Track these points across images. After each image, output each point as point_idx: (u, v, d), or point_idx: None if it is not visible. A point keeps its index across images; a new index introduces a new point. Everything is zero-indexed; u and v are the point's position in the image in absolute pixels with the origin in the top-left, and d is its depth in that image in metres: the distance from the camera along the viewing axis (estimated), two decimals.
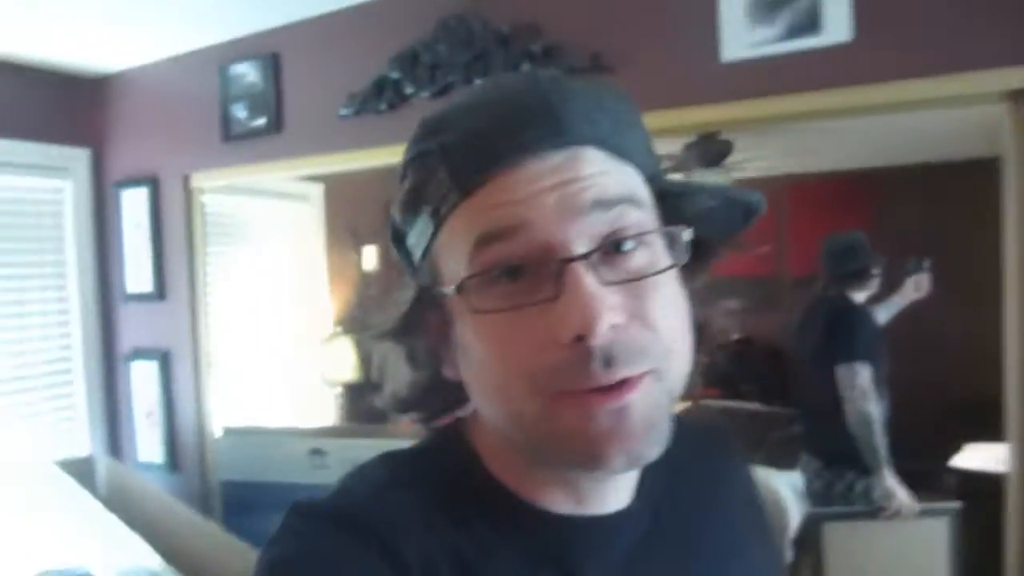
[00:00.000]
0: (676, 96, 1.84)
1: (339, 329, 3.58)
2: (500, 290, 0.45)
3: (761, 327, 5.91)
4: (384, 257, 3.89)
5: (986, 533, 1.80)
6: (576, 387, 0.44)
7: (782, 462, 3.72)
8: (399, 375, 0.55)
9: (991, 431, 1.86)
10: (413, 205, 0.49)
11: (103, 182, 2.78)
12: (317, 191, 3.50)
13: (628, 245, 0.45)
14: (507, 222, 0.44)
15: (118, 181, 2.74)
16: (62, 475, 2.37)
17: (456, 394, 0.52)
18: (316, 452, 2.56)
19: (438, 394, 0.54)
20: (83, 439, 2.76)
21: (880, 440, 2.41)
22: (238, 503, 2.62)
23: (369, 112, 2.25)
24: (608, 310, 0.43)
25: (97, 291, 2.78)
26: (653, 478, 0.56)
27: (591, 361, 0.43)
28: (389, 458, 0.54)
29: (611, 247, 0.45)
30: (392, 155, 2.27)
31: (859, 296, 2.61)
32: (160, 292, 2.67)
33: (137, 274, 2.70)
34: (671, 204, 0.50)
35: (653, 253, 0.47)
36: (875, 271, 2.62)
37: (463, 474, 0.52)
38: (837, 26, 1.66)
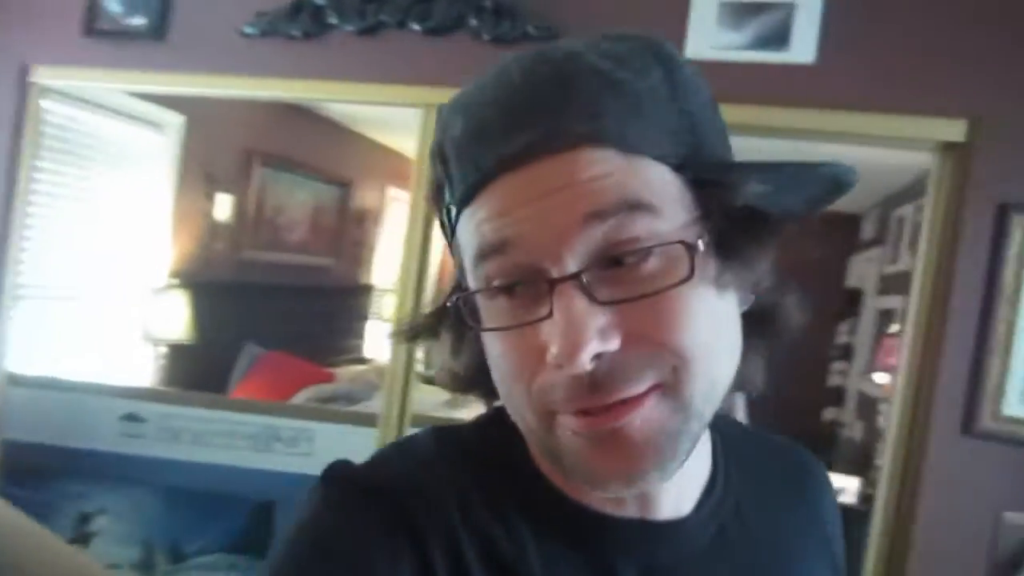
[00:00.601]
0: None
1: (174, 281, 3.16)
2: (500, 305, 0.43)
3: None
4: (239, 210, 3.50)
5: None
6: (571, 408, 0.42)
7: None
8: (447, 354, 0.52)
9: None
10: (435, 200, 0.47)
11: None
12: (175, 122, 3.05)
13: (631, 258, 0.41)
14: (496, 239, 0.42)
15: None
16: None
17: None
18: (130, 418, 2.20)
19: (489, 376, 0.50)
20: None
21: None
22: (21, 468, 2.20)
23: (279, 35, 1.96)
24: (593, 339, 0.39)
25: None
26: (725, 492, 0.53)
27: (579, 386, 0.41)
28: (439, 433, 0.52)
29: (611, 261, 0.41)
30: (301, 90, 2.05)
31: None
32: None
33: None
34: (710, 192, 0.43)
35: (668, 259, 0.41)
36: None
37: (508, 460, 0.50)
38: (804, 45, 1.66)
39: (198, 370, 3.19)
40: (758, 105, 1.72)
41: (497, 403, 0.51)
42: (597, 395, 0.41)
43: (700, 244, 0.41)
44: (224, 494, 2.20)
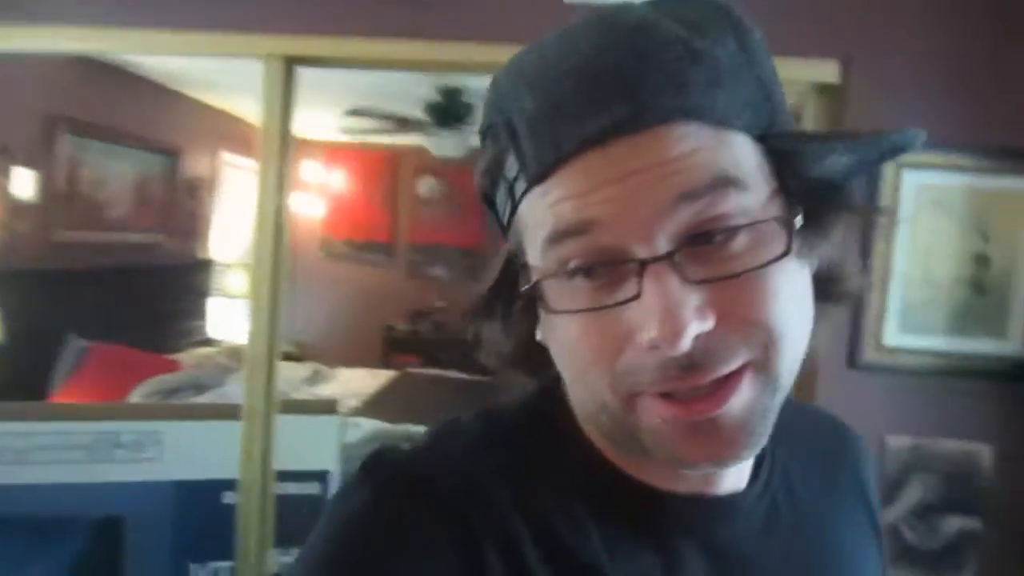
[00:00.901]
0: (514, 34, 1.62)
1: None
2: (576, 286, 0.42)
3: (465, 297, 6.01)
4: (46, 186, 3.02)
5: None
6: (658, 389, 0.41)
7: None
8: (495, 331, 0.50)
9: None
10: (495, 172, 0.45)
11: None
12: None
13: (720, 236, 0.40)
14: (576, 220, 0.40)
15: None
16: None
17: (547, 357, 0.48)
18: None
19: (539, 352, 0.49)
20: None
21: None
22: None
23: None
24: (692, 319, 0.39)
25: None
26: (773, 464, 0.53)
27: (672, 368, 0.40)
28: (487, 416, 0.52)
29: (699, 239, 0.40)
30: (114, 43, 1.74)
31: None
32: None
33: None
34: (791, 163, 0.43)
35: (758, 235, 0.41)
36: None
37: (563, 441, 0.49)
38: None
39: (10, 375, 2.75)
40: None
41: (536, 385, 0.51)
42: (691, 376, 0.40)
43: (798, 221, 0.41)
44: (57, 517, 1.89)
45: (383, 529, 0.43)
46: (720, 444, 0.41)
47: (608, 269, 0.41)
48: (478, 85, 3.72)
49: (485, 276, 0.49)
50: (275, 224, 1.79)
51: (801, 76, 1.64)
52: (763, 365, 0.41)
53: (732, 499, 0.50)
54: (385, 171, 5.63)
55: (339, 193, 5.63)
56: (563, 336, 0.44)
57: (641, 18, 0.41)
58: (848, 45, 1.59)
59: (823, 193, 0.43)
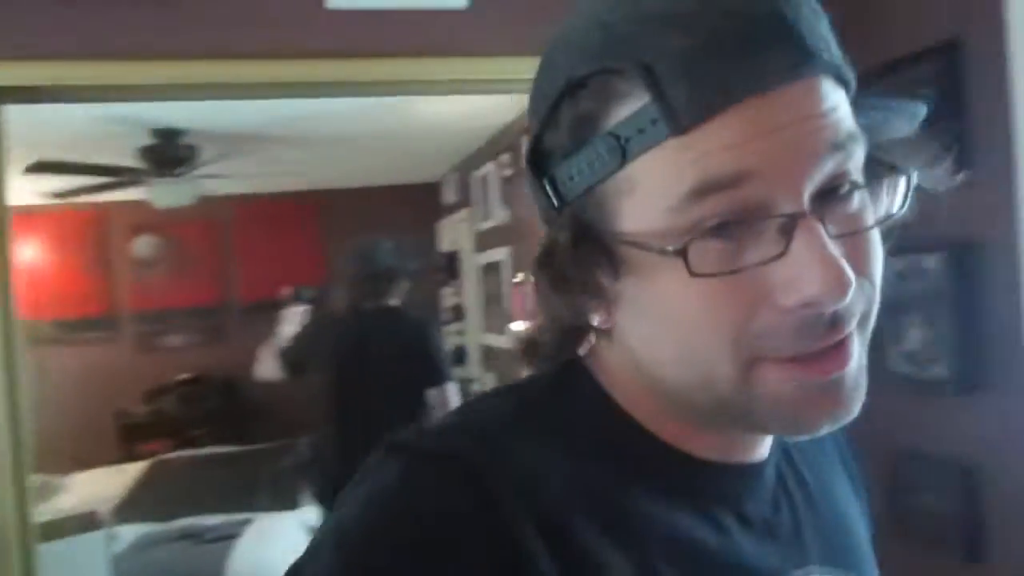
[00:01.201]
0: (269, 43, 1.43)
1: None
2: (711, 246, 0.40)
3: (211, 362, 5.40)
4: None
5: None
6: (787, 353, 0.41)
7: (285, 501, 3.41)
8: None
9: None
10: (584, 129, 0.42)
11: None
12: None
13: (846, 188, 0.42)
14: (732, 170, 0.39)
15: None
16: None
17: (580, 336, 0.51)
18: None
19: (574, 339, 0.50)
20: None
21: None
22: None
23: None
24: (851, 273, 0.39)
25: None
26: None
27: (817, 325, 0.40)
28: (515, 391, 0.51)
29: (830, 195, 0.41)
30: None
31: (394, 302, 2.49)
32: None
33: None
34: (867, 126, 0.44)
35: (862, 193, 0.43)
36: (409, 274, 2.53)
37: (600, 415, 0.49)
38: None
39: None
40: (409, 57, 1.54)
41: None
42: (833, 333, 0.41)
43: (912, 181, 0.43)
44: None
45: (418, 512, 0.41)
46: (842, 403, 0.42)
47: (742, 228, 0.40)
48: (201, 125, 3.33)
49: (544, 251, 0.45)
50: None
51: None
52: (865, 321, 0.43)
53: (758, 467, 0.51)
54: (91, 234, 4.91)
55: (34, 267, 4.75)
56: (680, 304, 0.42)
57: None
58: None
59: (888, 152, 0.45)
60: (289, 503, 3.19)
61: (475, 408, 0.52)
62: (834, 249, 0.39)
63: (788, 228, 0.39)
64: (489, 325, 4.68)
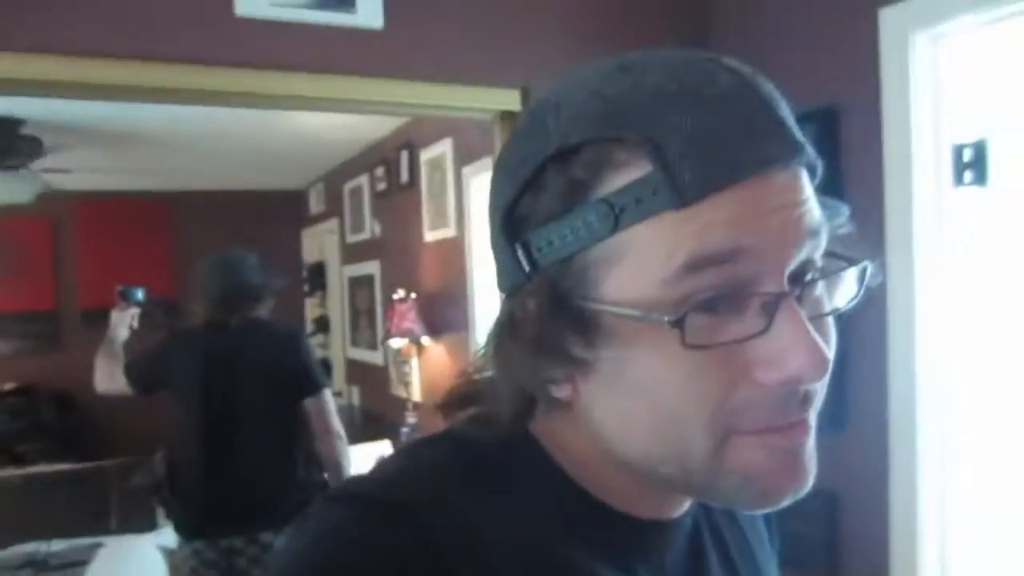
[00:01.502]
0: (177, 47, 1.37)
1: None
2: (700, 319, 0.40)
3: (44, 372, 4.91)
4: None
5: None
6: (760, 426, 0.42)
7: (139, 523, 3.18)
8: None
9: None
10: (572, 196, 0.42)
11: None
12: None
13: (814, 275, 0.44)
14: (731, 246, 0.40)
15: None
16: None
17: (534, 408, 0.49)
18: None
19: (528, 410, 0.49)
20: None
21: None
22: None
23: None
24: (828, 352, 0.41)
25: None
26: None
27: (791, 402, 0.42)
28: (453, 438, 0.50)
29: (800, 279, 0.43)
30: None
31: (259, 315, 2.32)
32: None
33: None
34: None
35: (824, 281, 0.45)
36: (275, 292, 2.38)
37: (536, 467, 0.49)
38: (369, 9, 1.52)
39: None
40: (321, 73, 1.54)
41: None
42: (804, 408, 0.42)
43: (871, 268, 0.45)
44: None
45: (359, 560, 0.41)
46: (805, 472, 0.43)
47: (725, 303, 0.41)
48: (42, 114, 3.06)
49: (508, 318, 0.45)
50: None
51: (487, 104, 1.71)
52: (818, 396, 0.44)
53: (678, 522, 0.51)
54: None
55: None
56: (664, 375, 0.42)
57: (749, 71, 0.42)
58: (528, 75, 1.71)
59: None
60: (144, 525, 2.98)
61: (422, 457, 0.50)
62: (811, 330, 0.40)
63: (771, 306, 0.40)
64: (356, 339, 4.60)
